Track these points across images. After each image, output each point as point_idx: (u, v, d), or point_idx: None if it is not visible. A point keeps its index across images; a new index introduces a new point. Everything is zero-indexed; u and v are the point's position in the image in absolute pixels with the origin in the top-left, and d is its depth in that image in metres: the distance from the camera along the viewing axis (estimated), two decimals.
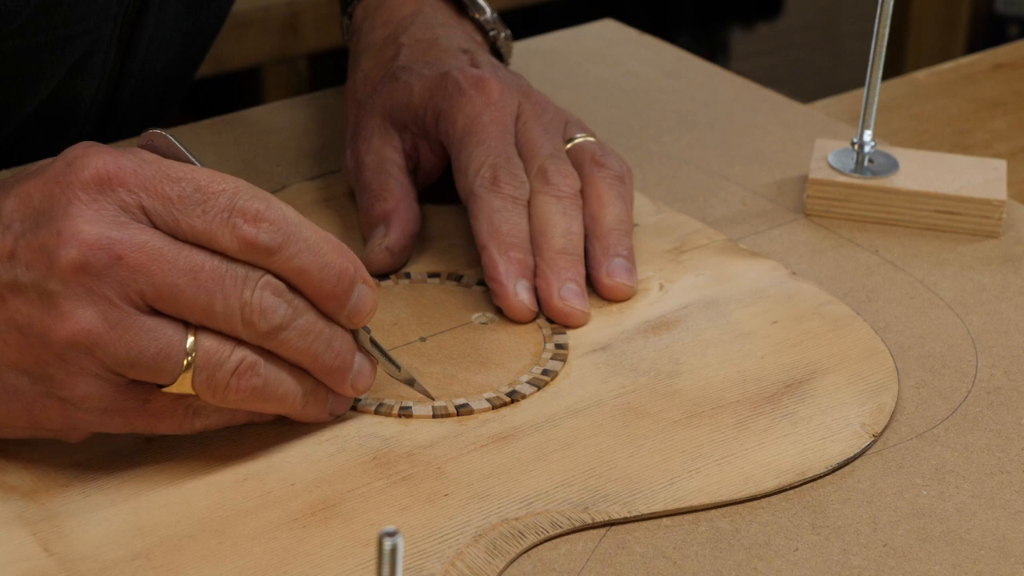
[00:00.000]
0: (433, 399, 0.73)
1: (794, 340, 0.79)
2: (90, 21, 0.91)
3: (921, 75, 1.11)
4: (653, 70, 1.08)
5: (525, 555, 0.66)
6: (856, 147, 0.90)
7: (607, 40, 1.12)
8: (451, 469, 0.69)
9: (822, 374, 0.76)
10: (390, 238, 0.83)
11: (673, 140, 0.99)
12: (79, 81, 0.94)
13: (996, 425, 0.74)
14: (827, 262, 0.86)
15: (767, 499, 0.69)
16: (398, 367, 0.73)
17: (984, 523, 0.68)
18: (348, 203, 0.89)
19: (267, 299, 0.66)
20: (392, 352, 0.76)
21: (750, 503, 0.69)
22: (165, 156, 0.68)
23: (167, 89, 1.05)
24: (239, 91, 1.80)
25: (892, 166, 0.91)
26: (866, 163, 0.90)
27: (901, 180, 0.90)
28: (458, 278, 0.83)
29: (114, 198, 0.64)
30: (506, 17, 1.00)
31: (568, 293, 0.79)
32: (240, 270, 0.65)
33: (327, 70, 1.78)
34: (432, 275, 0.83)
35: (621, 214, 0.82)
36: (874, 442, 0.72)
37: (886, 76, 0.93)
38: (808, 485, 0.70)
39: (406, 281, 0.83)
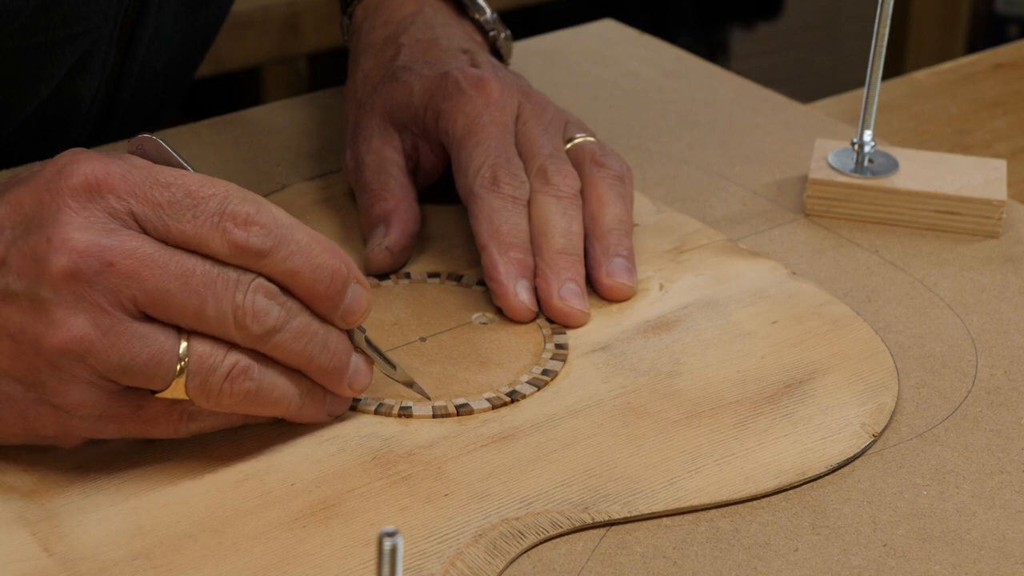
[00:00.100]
0: (430, 399, 0.73)
1: (794, 340, 0.79)
2: (90, 21, 0.91)
3: (921, 75, 1.11)
4: (653, 70, 1.08)
5: (525, 555, 0.66)
6: (856, 147, 0.90)
7: (607, 40, 1.12)
8: (451, 469, 0.69)
9: (822, 374, 0.76)
10: (390, 238, 0.83)
11: (673, 140, 0.99)
12: (79, 81, 0.94)
13: (996, 425, 0.74)
14: (827, 262, 0.86)
15: (767, 499, 0.69)
16: (394, 367, 0.73)
17: (984, 523, 0.68)
18: (348, 203, 0.89)
19: (259, 302, 0.66)
20: (392, 352, 0.76)
21: (750, 503, 0.69)
22: (156, 161, 0.67)
23: (167, 89, 1.05)
24: (239, 91, 1.80)
25: (892, 166, 0.91)
26: (866, 163, 0.90)
27: (901, 180, 0.90)
28: (458, 278, 0.83)
29: (103, 205, 0.64)
30: (506, 17, 1.00)
31: (568, 293, 0.79)
32: (232, 274, 0.65)
33: (327, 70, 1.78)
34: (432, 275, 0.83)
35: (621, 214, 0.82)
36: (874, 442, 0.72)
37: (886, 76, 0.93)
38: (808, 485, 0.70)
39: (406, 281, 0.83)
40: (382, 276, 0.83)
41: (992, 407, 0.75)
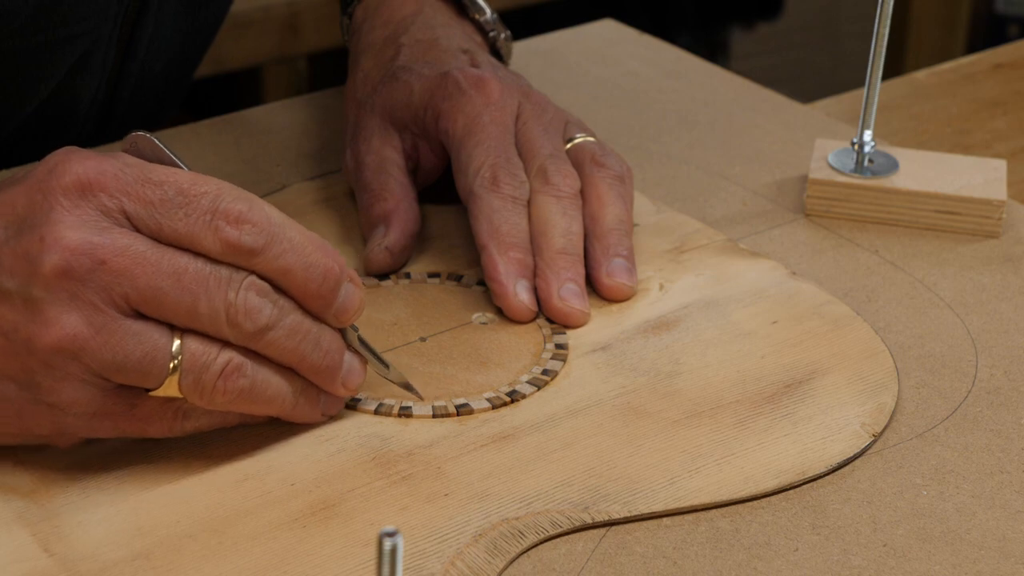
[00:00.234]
0: (422, 399, 0.73)
1: (794, 340, 0.79)
2: (90, 21, 0.91)
3: (921, 75, 1.11)
4: (653, 70, 1.08)
5: (525, 555, 0.66)
6: (856, 147, 0.90)
7: (607, 40, 1.12)
8: (451, 469, 0.69)
9: (822, 374, 0.76)
10: (390, 238, 0.83)
11: (673, 140, 0.99)
12: (79, 81, 0.94)
13: (996, 425, 0.74)
14: (827, 262, 0.86)
15: (767, 499, 0.69)
16: (387, 366, 0.73)
17: (984, 523, 0.68)
18: (348, 203, 0.89)
19: (252, 300, 0.66)
20: (392, 352, 0.76)
21: (750, 503, 0.69)
22: (149, 159, 0.67)
23: (167, 89, 1.05)
24: (239, 91, 1.80)
25: (892, 166, 0.91)
26: (866, 163, 0.90)
27: (901, 180, 0.90)
28: (458, 278, 0.83)
29: (95, 203, 0.64)
30: (506, 17, 1.00)
31: (568, 293, 0.79)
32: (224, 272, 0.65)
33: (327, 70, 1.78)
34: (432, 275, 0.83)
35: (621, 214, 0.82)
36: (874, 442, 0.72)
37: (886, 76, 0.93)
38: (808, 485, 0.70)
39: (406, 281, 0.83)
40: (382, 276, 0.83)
41: (992, 407, 0.75)
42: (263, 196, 0.89)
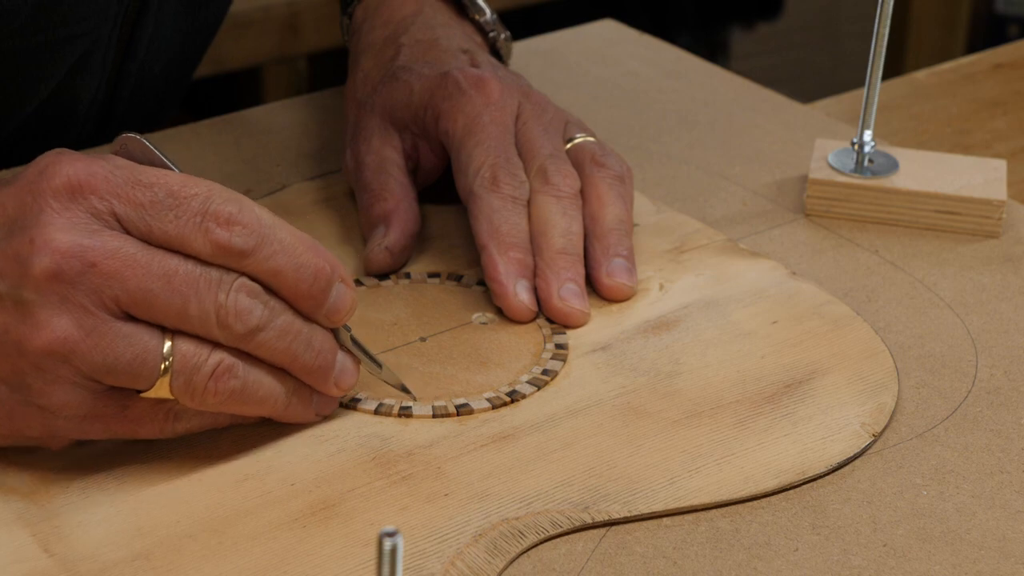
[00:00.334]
0: (416, 399, 0.73)
1: (794, 340, 0.79)
2: (90, 21, 0.91)
3: (921, 75, 1.11)
4: (653, 70, 1.08)
5: (525, 555, 0.66)
6: (856, 147, 0.90)
7: (607, 40, 1.12)
8: (451, 469, 0.69)
9: (822, 374, 0.76)
10: (390, 238, 0.83)
11: (673, 140, 0.99)
12: (78, 81, 0.94)
13: (996, 425, 0.74)
14: (827, 262, 0.86)
15: (767, 499, 0.69)
16: (380, 366, 0.73)
17: (984, 523, 0.68)
18: (348, 203, 0.89)
19: (242, 301, 0.66)
20: (392, 352, 0.76)
21: (750, 503, 0.69)
22: (140, 161, 0.67)
23: (166, 89, 1.05)
24: (239, 91, 1.80)
25: (892, 166, 0.91)
26: (866, 163, 0.90)
27: (901, 180, 0.90)
28: (458, 278, 0.83)
29: (86, 205, 0.64)
30: (506, 17, 1.00)
31: (568, 293, 0.79)
32: (214, 273, 0.65)
33: (327, 70, 1.78)
34: (432, 275, 0.83)
35: (621, 214, 0.82)
36: (874, 442, 0.72)
37: (886, 76, 0.93)
38: (808, 485, 0.70)
39: (406, 281, 0.83)
40: (382, 276, 0.83)
41: (992, 407, 0.75)
42: (263, 196, 0.89)
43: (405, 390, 0.73)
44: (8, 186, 0.66)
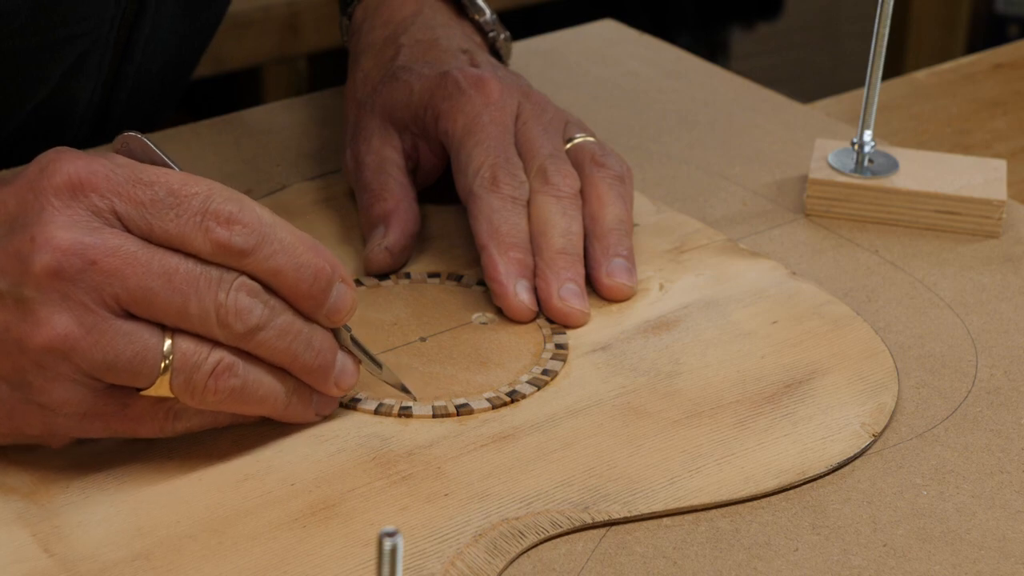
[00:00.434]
0: (415, 399, 0.73)
1: (794, 340, 0.79)
2: (90, 22, 0.91)
3: (921, 75, 1.11)
4: (653, 70, 1.08)
5: (525, 555, 0.66)
6: (856, 147, 0.90)
7: (607, 40, 1.12)
8: (451, 469, 0.69)
9: (822, 374, 0.76)
10: (390, 238, 0.83)
11: (673, 140, 0.99)
12: (75, 83, 0.94)
13: (996, 425, 0.74)
14: (827, 262, 0.86)
15: (767, 499, 0.69)
16: (380, 366, 0.73)
17: (984, 523, 0.68)
18: (348, 203, 0.89)
19: (242, 300, 0.66)
20: (392, 352, 0.76)
21: (750, 503, 0.69)
22: (140, 159, 0.68)
23: (163, 91, 1.05)
24: (239, 91, 1.80)
25: (892, 166, 0.91)
26: (866, 163, 0.90)
27: (901, 180, 0.90)
28: (458, 278, 0.83)
29: (86, 203, 0.64)
30: (506, 17, 1.00)
31: (567, 293, 0.79)
32: (214, 272, 0.65)
33: (327, 70, 1.78)
34: (432, 275, 0.83)
35: (621, 214, 0.82)
36: (874, 442, 0.72)
37: (886, 76, 0.93)
38: (808, 485, 0.70)
39: (406, 281, 0.83)
40: (382, 276, 0.83)
41: (992, 407, 0.75)
42: (263, 196, 0.89)
43: (405, 390, 0.73)
44: (9, 184, 0.66)
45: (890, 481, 0.70)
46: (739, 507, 0.69)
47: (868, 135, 0.90)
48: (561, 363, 0.76)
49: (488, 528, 0.66)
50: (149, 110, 1.04)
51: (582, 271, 0.81)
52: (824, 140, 0.93)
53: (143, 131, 0.70)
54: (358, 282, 0.82)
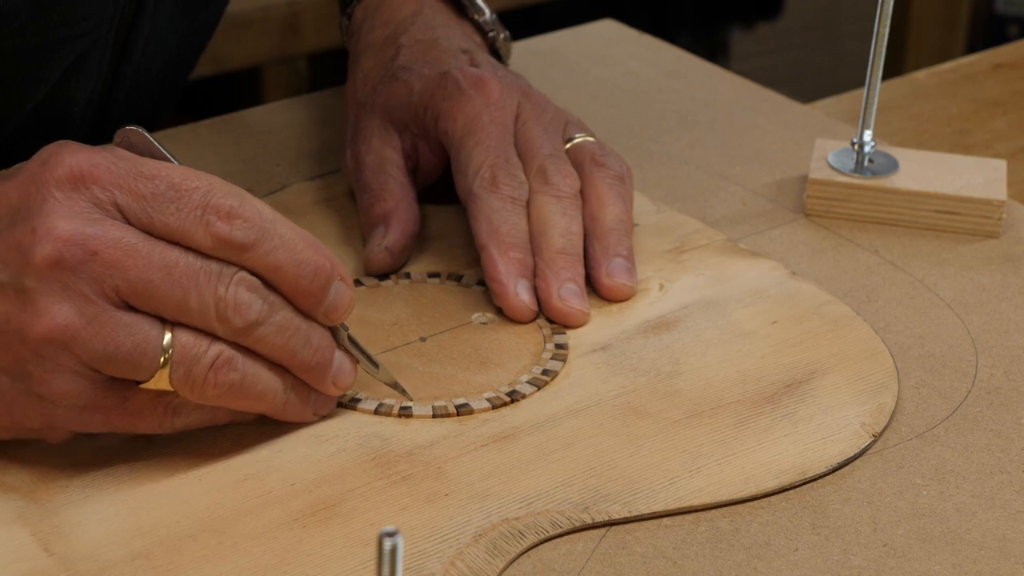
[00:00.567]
0: (412, 399, 0.73)
1: (794, 340, 0.79)
2: (90, 22, 0.91)
3: (921, 75, 1.11)
4: (653, 70, 1.08)
5: (525, 555, 0.66)
6: (856, 147, 0.90)
7: (607, 40, 1.12)
8: (451, 469, 0.69)
9: (822, 374, 0.76)
10: (390, 238, 0.83)
11: (673, 140, 0.99)
12: (74, 83, 0.94)
13: (996, 425, 0.74)
14: (827, 262, 0.86)
15: (767, 499, 0.69)
16: (377, 366, 0.73)
17: (984, 523, 0.68)
18: (348, 203, 0.89)
19: (241, 295, 0.66)
20: (392, 352, 0.76)
21: (750, 503, 0.69)
22: (141, 153, 0.68)
23: (162, 91, 1.05)
24: (239, 91, 1.80)
25: (892, 166, 0.91)
26: (866, 163, 0.90)
27: (901, 180, 0.90)
28: (458, 278, 0.83)
29: (88, 195, 0.64)
30: (506, 17, 1.00)
31: (567, 293, 0.79)
32: (214, 266, 0.66)
33: (327, 70, 1.78)
34: (432, 275, 0.83)
35: (621, 214, 0.82)
36: (874, 442, 0.72)
37: (886, 76, 0.93)
38: (808, 485, 0.70)
39: (406, 281, 0.83)
40: (382, 276, 0.83)
41: (992, 407, 0.75)
42: (263, 196, 0.89)
43: (400, 390, 0.73)
44: (11, 178, 0.66)
45: (890, 481, 0.70)
46: (739, 507, 0.69)
47: (868, 135, 0.90)
48: (561, 363, 0.76)
49: (488, 528, 0.66)
50: (148, 110, 1.04)
51: (582, 271, 0.81)
52: (824, 140, 0.93)
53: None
54: (358, 282, 0.82)
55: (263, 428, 0.71)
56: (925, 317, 0.82)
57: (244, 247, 0.66)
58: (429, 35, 0.91)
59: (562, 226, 0.81)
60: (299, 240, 0.67)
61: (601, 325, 0.79)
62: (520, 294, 0.79)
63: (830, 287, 0.84)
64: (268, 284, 0.67)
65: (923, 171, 0.90)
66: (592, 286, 0.81)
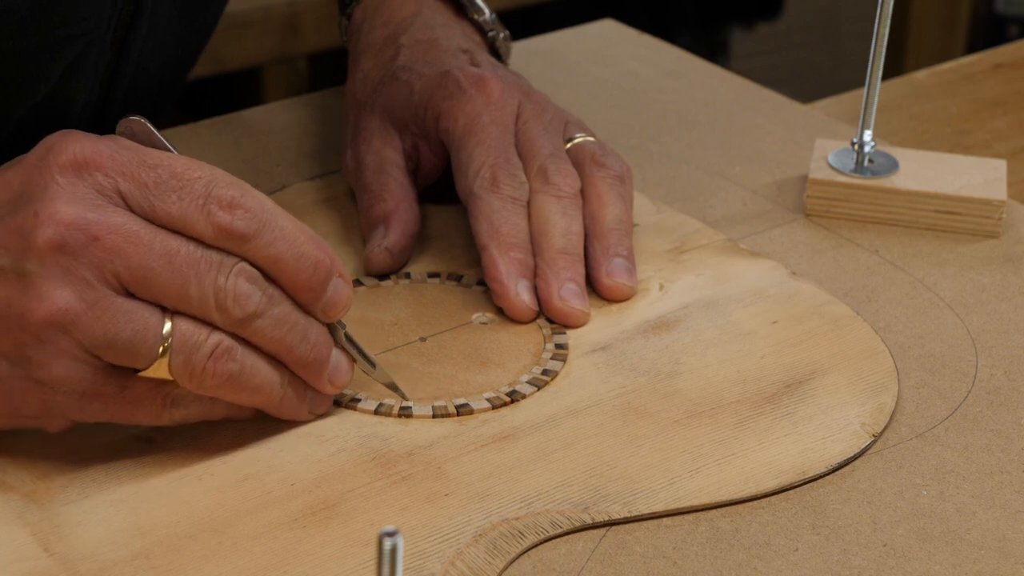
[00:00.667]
0: (407, 399, 0.73)
1: (794, 340, 0.79)
2: (89, 22, 0.91)
3: (921, 75, 1.11)
4: (653, 70, 1.08)
5: (525, 555, 0.66)
6: (856, 147, 0.90)
7: (607, 40, 1.12)
8: (451, 469, 0.69)
9: (822, 374, 0.76)
10: (390, 239, 0.83)
11: (673, 140, 0.99)
12: (73, 83, 0.94)
13: (996, 425, 0.74)
14: (827, 262, 0.86)
15: (767, 499, 0.69)
16: (374, 365, 0.73)
17: (984, 523, 0.68)
18: (348, 203, 0.89)
19: (241, 286, 0.66)
20: (392, 352, 0.76)
21: (750, 503, 0.69)
22: (143, 143, 0.68)
23: (160, 91, 1.05)
24: (239, 91, 1.80)
25: (892, 166, 0.91)
26: (866, 163, 0.90)
27: (901, 180, 0.90)
28: (458, 278, 0.83)
29: (91, 181, 0.65)
30: (506, 17, 1.00)
31: (568, 293, 0.79)
32: (215, 256, 0.66)
33: (327, 70, 1.78)
34: (432, 275, 0.83)
35: (621, 214, 0.82)
36: (874, 442, 0.72)
37: (886, 76, 0.93)
38: (808, 485, 0.70)
39: (406, 281, 0.83)
40: (382, 276, 0.83)
41: (992, 407, 0.75)
42: None
43: (396, 390, 0.73)
44: (15, 165, 0.67)
45: (890, 481, 0.70)
46: (739, 507, 0.69)
47: (868, 135, 0.90)
48: (561, 363, 0.76)
49: (488, 528, 0.66)
50: (146, 109, 1.04)
51: (582, 271, 0.81)
52: (824, 140, 0.93)
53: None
54: (358, 282, 0.82)
55: (263, 428, 0.71)
56: (925, 317, 0.82)
57: (245, 237, 0.66)
58: (429, 35, 0.91)
59: (562, 226, 0.81)
60: (300, 234, 0.67)
61: (601, 325, 0.79)
62: (521, 294, 0.79)
63: (830, 287, 0.84)
64: (268, 277, 0.67)
65: (923, 171, 0.90)
66: (592, 286, 0.81)
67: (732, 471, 0.70)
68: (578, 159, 0.84)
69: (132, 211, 0.65)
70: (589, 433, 0.72)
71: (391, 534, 0.47)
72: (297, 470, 0.69)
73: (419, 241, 0.85)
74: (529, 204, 0.82)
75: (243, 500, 0.67)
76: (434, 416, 0.72)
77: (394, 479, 0.69)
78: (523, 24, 1.32)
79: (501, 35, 0.95)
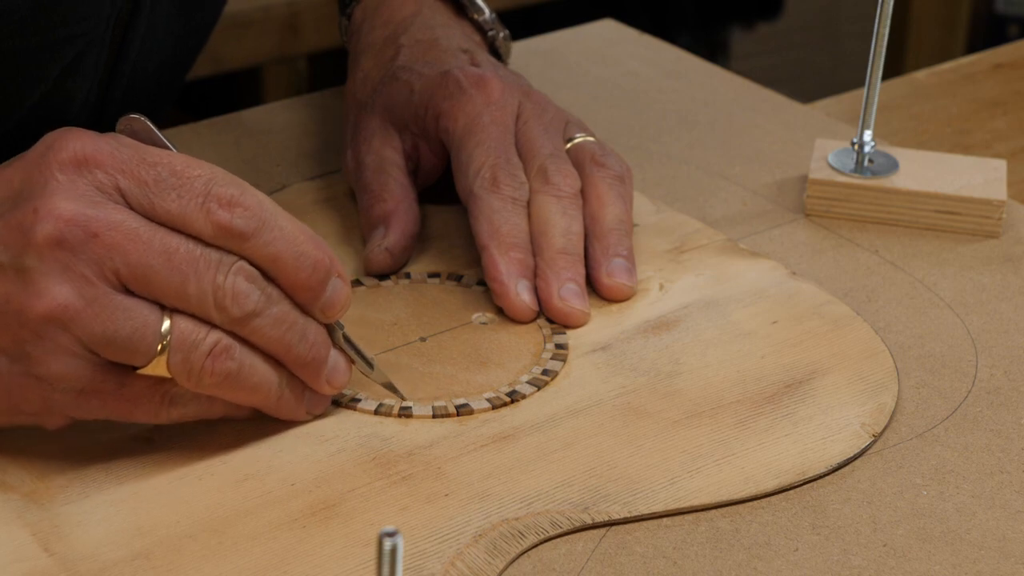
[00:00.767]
0: (404, 399, 0.73)
1: (794, 340, 0.79)
2: (89, 22, 0.91)
3: (921, 75, 1.11)
4: (653, 70, 1.08)
5: (525, 555, 0.66)
6: (856, 147, 0.90)
7: (607, 40, 1.12)
8: (451, 469, 0.69)
9: (822, 374, 0.76)
10: (390, 239, 0.83)
11: (673, 140, 0.99)
12: (71, 83, 0.94)
13: (996, 425, 0.74)
14: (827, 262, 0.86)
15: (767, 499, 0.69)
16: (371, 366, 0.73)
17: (984, 523, 0.68)
18: (348, 203, 0.89)
19: (240, 284, 0.66)
20: (392, 352, 0.76)
21: (750, 503, 0.69)
22: (143, 141, 0.68)
23: (159, 91, 1.05)
24: (239, 91, 1.80)
25: (892, 166, 0.91)
26: (866, 163, 0.90)
27: (901, 180, 0.90)
28: (458, 278, 0.83)
29: (91, 179, 0.65)
30: (506, 17, 1.00)
31: (568, 293, 0.79)
32: (214, 255, 0.66)
33: (327, 70, 1.78)
34: (432, 275, 0.83)
35: (621, 214, 0.82)
36: (874, 442, 0.72)
37: (886, 76, 0.93)
38: (808, 485, 0.70)
39: (406, 281, 0.83)
40: (382, 276, 0.83)
41: (992, 407, 0.75)
42: None
43: (394, 390, 0.73)
44: (16, 162, 0.67)
45: (890, 481, 0.70)
46: (739, 507, 0.69)
47: (868, 135, 0.90)
48: (561, 363, 0.76)
49: (488, 528, 0.66)
50: (145, 109, 1.04)
51: (582, 271, 0.81)
52: (824, 140, 0.93)
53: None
54: (358, 282, 0.82)
55: (263, 428, 0.71)
56: (925, 317, 0.82)
57: (244, 236, 0.66)
58: (429, 35, 0.91)
59: (562, 226, 0.81)
60: (299, 233, 0.68)
61: (601, 325, 0.79)
62: (521, 294, 0.79)
63: (830, 287, 0.84)
64: (267, 276, 0.67)
65: (923, 171, 0.90)
66: (592, 286, 0.81)
67: (732, 471, 0.70)
68: (578, 159, 0.84)
69: (132, 208, 0.65)
70: (589, 433, 0.72)
71: (391, 534, 0.47)
72: (297, 470, 0.69)
73: (419, 241, 0.85)
74: (529, 204, 0.82)
75: (243, 500, 0.67)
76: (434, 416, 0.72)
77: (394, 479, 0.69)
78: (523, 24, 1.32)
79: (501, 35, 0.95)
